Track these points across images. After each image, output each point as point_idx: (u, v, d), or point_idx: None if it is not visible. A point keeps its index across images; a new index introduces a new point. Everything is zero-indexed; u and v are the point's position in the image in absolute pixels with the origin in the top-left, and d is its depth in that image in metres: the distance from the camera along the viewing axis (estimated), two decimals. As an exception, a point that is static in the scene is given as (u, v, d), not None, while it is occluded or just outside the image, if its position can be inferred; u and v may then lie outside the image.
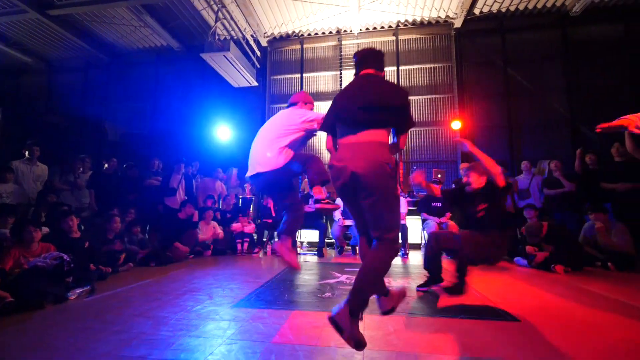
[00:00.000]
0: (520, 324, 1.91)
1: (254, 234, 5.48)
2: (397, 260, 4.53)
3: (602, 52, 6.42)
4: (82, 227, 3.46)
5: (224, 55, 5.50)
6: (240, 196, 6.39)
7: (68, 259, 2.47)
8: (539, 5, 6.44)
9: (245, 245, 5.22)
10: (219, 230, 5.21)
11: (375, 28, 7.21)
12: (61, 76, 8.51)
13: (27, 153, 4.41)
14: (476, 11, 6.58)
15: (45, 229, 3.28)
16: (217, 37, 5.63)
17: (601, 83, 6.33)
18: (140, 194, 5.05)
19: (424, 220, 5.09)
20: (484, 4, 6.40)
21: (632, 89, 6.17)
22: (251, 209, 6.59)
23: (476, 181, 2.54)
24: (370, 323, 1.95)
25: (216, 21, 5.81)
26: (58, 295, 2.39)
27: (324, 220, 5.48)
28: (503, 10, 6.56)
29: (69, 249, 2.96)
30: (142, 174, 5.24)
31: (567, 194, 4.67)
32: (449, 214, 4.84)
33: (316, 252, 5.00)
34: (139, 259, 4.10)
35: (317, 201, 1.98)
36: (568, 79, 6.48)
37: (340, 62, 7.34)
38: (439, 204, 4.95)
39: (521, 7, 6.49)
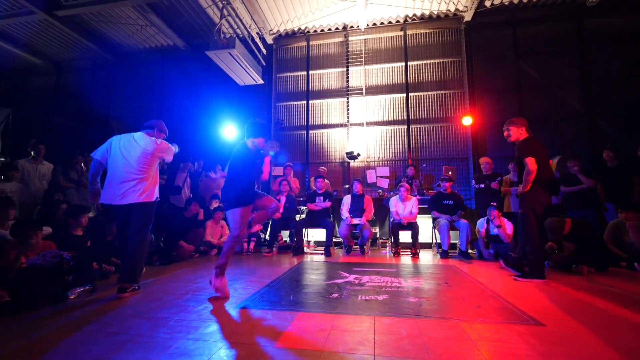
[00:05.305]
0: (546, 329, 1.76)
1: (260, 232, 5.38)
2: (406, 260, 4.38)
3: (619, 43, 6.15)
4: (85, 226, 3.40)
5: (229, 53, 5.44)
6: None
7: (68, 257, 2.40)
8: (553, -4, 6.22)
9: (252, 244, 5.12)
10: (227, 231, 5.14)
11: (382, 23, 7.06)
12: (69, 76, 8.57)
13: (32, 152, 4.40)
14: (487, 3, 6.38)
15: (47, 229, 3.23)
16: (222, 35, 5.56)
17: (618, 75, 6.07)
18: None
19: (434, 219, 4.92)
20: (495, -4, 6.20)
21: (652, 81, 5.88)
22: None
23: (515, 133, 3.01)
24: (380, 326, 1.82)
25: (221, 18, 5.75)
26: (57, 294, 2.33)
27: (332, 219, 5.35)
28: (515, 1, 6.34)
29: (71, 247, 2.90)
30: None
31: (585, 190, 4.46)
32: (461, 212, 4.67)
33: (323, 252, 4.87)
34: (143, 258, 4.03)
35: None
36: (583, 72, 6.22)
37: (347, 59, 7.21)
38: (451, 202, 4.77)
39: (534, -2, 6.27)
